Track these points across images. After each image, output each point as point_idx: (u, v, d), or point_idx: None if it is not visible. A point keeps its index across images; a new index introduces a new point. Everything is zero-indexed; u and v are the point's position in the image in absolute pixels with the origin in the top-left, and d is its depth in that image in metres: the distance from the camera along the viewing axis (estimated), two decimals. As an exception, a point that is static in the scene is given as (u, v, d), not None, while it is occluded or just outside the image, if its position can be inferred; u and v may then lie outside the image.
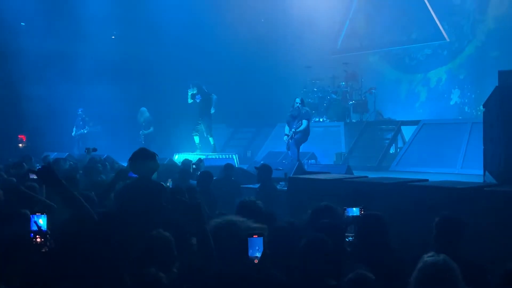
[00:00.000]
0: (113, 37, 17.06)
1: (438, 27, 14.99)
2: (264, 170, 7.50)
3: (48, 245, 3.30)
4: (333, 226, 3.86)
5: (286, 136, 10.55)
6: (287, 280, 3.29)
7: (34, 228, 3.33)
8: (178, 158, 12.96)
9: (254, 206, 4.30)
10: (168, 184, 7.15)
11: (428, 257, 3.02)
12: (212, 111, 13.47)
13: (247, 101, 15.93)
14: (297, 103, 10.51)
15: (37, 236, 3.31)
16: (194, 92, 13.37)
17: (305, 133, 10.54)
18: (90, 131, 15.51)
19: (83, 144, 13.97)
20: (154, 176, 5.25)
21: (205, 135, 13.57)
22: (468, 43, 14.57)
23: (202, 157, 11.88)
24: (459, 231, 3.92)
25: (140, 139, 14.40)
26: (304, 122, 10.42)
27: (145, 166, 4.75)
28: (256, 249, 2.98)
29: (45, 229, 3.34)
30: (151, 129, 14.57)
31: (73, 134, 15.44)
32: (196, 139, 13.69)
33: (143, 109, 14.81)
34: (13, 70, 14.83)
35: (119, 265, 3.13)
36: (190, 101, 13.53)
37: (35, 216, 3.37)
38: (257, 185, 7.66)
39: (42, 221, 3.36)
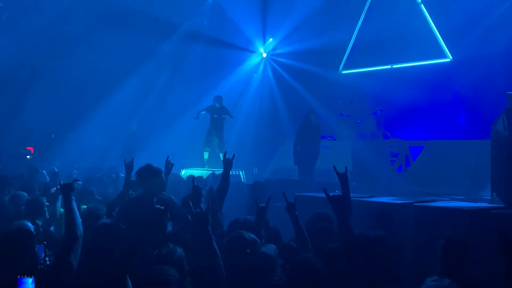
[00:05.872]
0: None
1: (442, 46, 14.95)
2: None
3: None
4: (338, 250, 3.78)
5: (295, 150, 10.28)
6: None
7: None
8: (184, 173, 12.94)
9: (246, 223, 4.56)
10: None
11: (431, 281, 2.94)
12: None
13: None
14: (310, 118, 10.36)
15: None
16: (217, 107, 13.06)
17: (317, 150, 10.32)
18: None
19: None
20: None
21: (217, 151, 13.05)
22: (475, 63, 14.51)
23: (209, 172, 11.84)
24: (465, 253, 3.89)
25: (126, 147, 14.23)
26: (317, 139, 10.20)
27: (151, 182, 4.85)
28: None
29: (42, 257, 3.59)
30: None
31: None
32: (206, 154, 13.32)
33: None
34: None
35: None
36: (203, 112, 13.14)
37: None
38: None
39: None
